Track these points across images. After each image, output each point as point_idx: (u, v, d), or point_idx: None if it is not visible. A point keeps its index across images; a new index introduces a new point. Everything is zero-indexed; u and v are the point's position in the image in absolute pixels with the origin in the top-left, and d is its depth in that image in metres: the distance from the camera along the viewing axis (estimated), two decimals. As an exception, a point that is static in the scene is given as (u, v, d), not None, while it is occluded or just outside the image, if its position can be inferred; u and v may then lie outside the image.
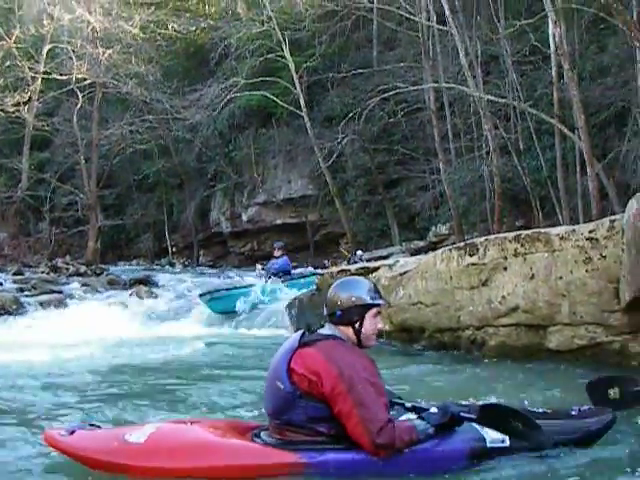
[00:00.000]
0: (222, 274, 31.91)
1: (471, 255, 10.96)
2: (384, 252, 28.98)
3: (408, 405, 5.28)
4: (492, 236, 11.56)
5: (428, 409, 5.18)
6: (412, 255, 22.29)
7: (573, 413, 5.88)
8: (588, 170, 21.53)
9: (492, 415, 5.24)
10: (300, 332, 5.18)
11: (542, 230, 10.53)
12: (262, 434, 5.14)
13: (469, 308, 11.02)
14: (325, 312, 5.24)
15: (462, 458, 5.04)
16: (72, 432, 4.94)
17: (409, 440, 4.84)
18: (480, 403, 5.82)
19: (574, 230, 9.88)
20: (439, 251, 12.10)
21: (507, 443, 5.17)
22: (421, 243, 30.07)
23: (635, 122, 22.62)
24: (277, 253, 20.52)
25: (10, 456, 5.70)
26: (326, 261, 34.73)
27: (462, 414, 5.20)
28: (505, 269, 10.50)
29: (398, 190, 33.62)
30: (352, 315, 5.15)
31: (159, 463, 4.79)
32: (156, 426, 5.11)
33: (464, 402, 6.06)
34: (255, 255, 42.20)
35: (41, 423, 6.81)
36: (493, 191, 25.91)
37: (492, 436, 5.16)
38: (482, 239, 11.27)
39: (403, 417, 5.26)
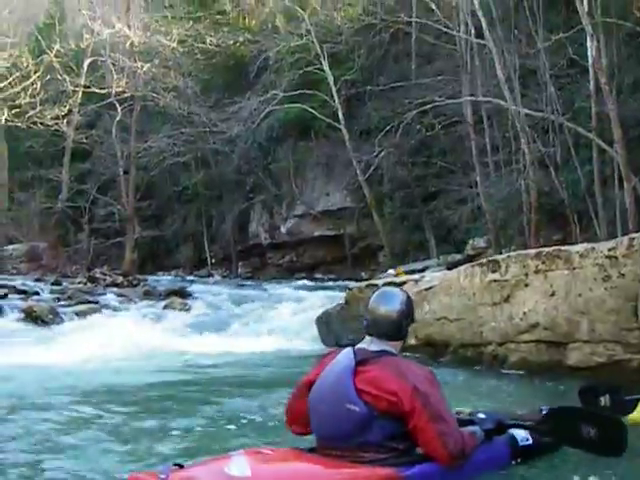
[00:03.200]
0: (259, 286, 31.86)
1: (493, 272, 11.00)
2: (420, 265, 28.81)
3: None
4: (514, 253, 11.60)
5: (472, 420, 5.46)
6: (448, 269, 22.19)
7: (544, 412, 6.09)
8: (625, 184, 21.36)
9: (557, 422, 5.60)
10: (349, 350, 5.12)
11: (562, 248, 10.57)
12: (333, 456, 5.01)
13: (491, 324, 11.08)
14: (371, 329, 5.17)
15: (507, 459, 5.43)
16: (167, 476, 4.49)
17: (473, 445, 5.03)
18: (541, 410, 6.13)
19: (594, 248, 9.90)
20: (462, 267, 12.16)
21: (530, 441, 5.55)
22: (458, 256, 29.69)
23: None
24: None
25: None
26: (363, 273, 34.82)
27: (507, 421, 5.58)
28: (526, 286, 10.54)
29: (436, 203, 33.41)
30: (404, 329, 5.22)
31: None
32: (246, 457, 4.76)
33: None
34: (293, 267, 42.35)
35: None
36: (530, 205, 25.74)
37: (521, 435, 5.53)
38: (504, 256, 11.35)
39: None
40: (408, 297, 5.36)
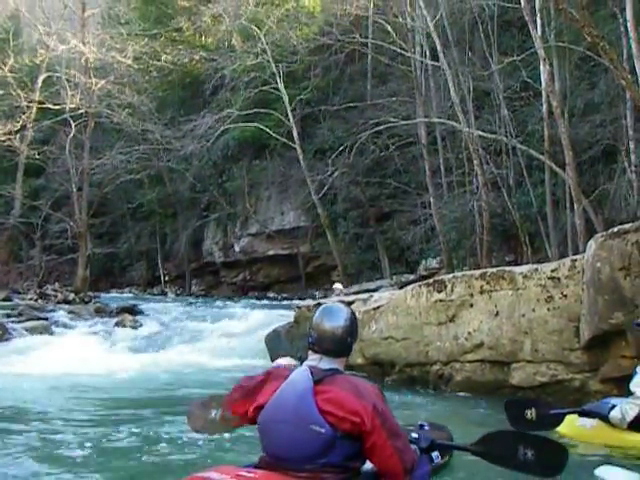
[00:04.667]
0: (212, 304, 31.75)
1: (439, 292, 11.06)
2: (373, 285, 28.87)
3: None
4: (459, 273, 11.65)
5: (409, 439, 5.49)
6: (401, 289, 22.21)
7: (426, 428, 6.37)
8: (575, 206, 21.53)
9: (493, 444, 5.57)
10: (305, 369, 4.92)
11: (507, 268, 10.67)
12: (296, 477, 4.83)
13: (437, 343, 11.13)
14: (317, 346, 4.97)
15: (428, 475, 5.50)
16: None
17: (416, 462, 5.09)
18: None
19: (537, 269, 9.98)
20: (409, 287, 12.18)
21: (440, 459, 5.92)
22: (411, 277, 29.76)
23: (624, 159, 22.64)
24: None
25: None
26: (317, 293, 34.80)
27: (439, 441, 5.78)
28: (471, 306, 10.60)
29: (389, 223, 33.54)
30: (349, 345, 5.11)
31: None
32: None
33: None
34: (247, 285, 42.29)
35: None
36: (482, 226, 25.87)
37: (435, 452, 5.81)
38: (450, 276, 11.36)
39: None
40: (352, 313, 5.28)
